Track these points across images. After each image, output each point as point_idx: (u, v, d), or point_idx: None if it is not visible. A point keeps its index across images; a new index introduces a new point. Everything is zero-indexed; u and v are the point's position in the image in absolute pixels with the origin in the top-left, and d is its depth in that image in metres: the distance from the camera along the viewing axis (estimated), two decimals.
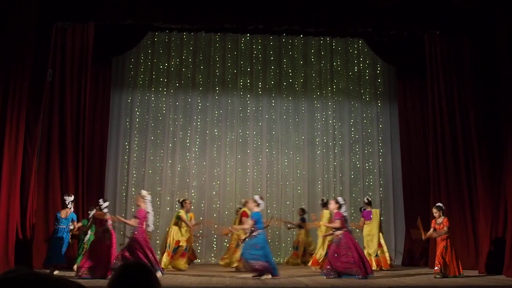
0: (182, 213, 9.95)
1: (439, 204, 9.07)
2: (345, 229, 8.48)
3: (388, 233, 12.33)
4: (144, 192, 8.63)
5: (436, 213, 8.77)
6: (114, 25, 10.83)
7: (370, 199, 10.84)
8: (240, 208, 10.50)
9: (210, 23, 10.74)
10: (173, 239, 9.77)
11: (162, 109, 12.83)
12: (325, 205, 10.28)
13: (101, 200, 8.78)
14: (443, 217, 8.73)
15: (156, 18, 9.79)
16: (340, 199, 8.95)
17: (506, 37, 8.89)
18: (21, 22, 8.62)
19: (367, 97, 13.31)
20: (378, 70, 13.41)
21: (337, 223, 8.50)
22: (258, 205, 8.69)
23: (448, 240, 8.58)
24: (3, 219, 8.07)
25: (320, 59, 13.35)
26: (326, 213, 10.05)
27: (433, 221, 8.85)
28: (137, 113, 12.73)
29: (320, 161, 12.91)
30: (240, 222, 9.90)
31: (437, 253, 8.54)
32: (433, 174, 10.75)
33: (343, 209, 8.66)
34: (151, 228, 8.56)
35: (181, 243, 9.76)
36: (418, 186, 11.85)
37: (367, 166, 13.03)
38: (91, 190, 10.99)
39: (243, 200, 10.61)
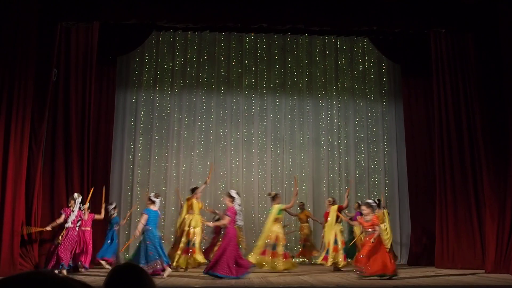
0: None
1: (369, 201, 8.85)
2: (232, 225, 8.32)
3: (394, 231, 12.33)
4: (75, 195, 9.06)
5: (364, 210, 8.36)
6: (118, 24, 10.85)
7: (360, 203, 10.71)
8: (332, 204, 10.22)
9: (214, 22, 10.72)
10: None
11: (167, 109, 12.84)
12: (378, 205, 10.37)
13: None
14: (372, 214, 8.32)
15: (160, 18, 9.79)
16: (233, 192, 8.70)
17: (509, 33, 8.85)
18: (25, 22, 8.65)
19: (372, 96, 13.28)
20: (383, 68, 13.37)
21: (226, 219, 8.30)
22: (153, 202, 8.54)
23: (377, 238, 8.14)
24: (8, 219, 8.10)
25: (325, 58, 13.33)
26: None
27: (361, 218, 8.51)
28: (142, 112, 12.75)
29: (325, 160, 12.89)
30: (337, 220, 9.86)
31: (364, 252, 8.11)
32: (439, 172, 10.69)
33: (236, 203, 8.51)
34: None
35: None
36: (423, 185, 11.80)
37: (372, 165, 12.99)
38: (96, 190, 10.98)
39: (331, 199, 10.48)
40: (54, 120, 10.21)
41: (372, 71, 13.37)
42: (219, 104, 12.96)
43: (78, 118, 10.48)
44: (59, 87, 10.30)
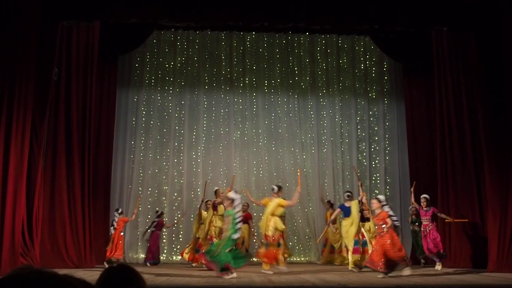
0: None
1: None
2: None
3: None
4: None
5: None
6: (119, 24, 10.84)
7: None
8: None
9: (215, 21, 10.70)
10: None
11: (168, 108, 12.82)
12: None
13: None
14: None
15: (161, 16, 9.77)
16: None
17: (511, 31, 8.82)
18: (26, 22, 8.64)
19: (374, 95, 13.25)
20: (385, 67, 13.35)
21: None
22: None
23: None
24: (9, 218, 8.10)
25: (327, 57, 13.31)
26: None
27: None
28: (143, 112, 12.73)
29: (326, 159, 12.87)
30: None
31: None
32: (441, 171, 10.67)
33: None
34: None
35: None
36: (425, 184, 11.75)
37: (373, 164, 12.97)
38: (97, 189, 11.01)
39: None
40: (55, 119, 10.20)
41: (373, 70, 13.35)
42: (221, 103, 12.94)
43: (79, 117, 10.46)
44: (60, 86, 10.29)
